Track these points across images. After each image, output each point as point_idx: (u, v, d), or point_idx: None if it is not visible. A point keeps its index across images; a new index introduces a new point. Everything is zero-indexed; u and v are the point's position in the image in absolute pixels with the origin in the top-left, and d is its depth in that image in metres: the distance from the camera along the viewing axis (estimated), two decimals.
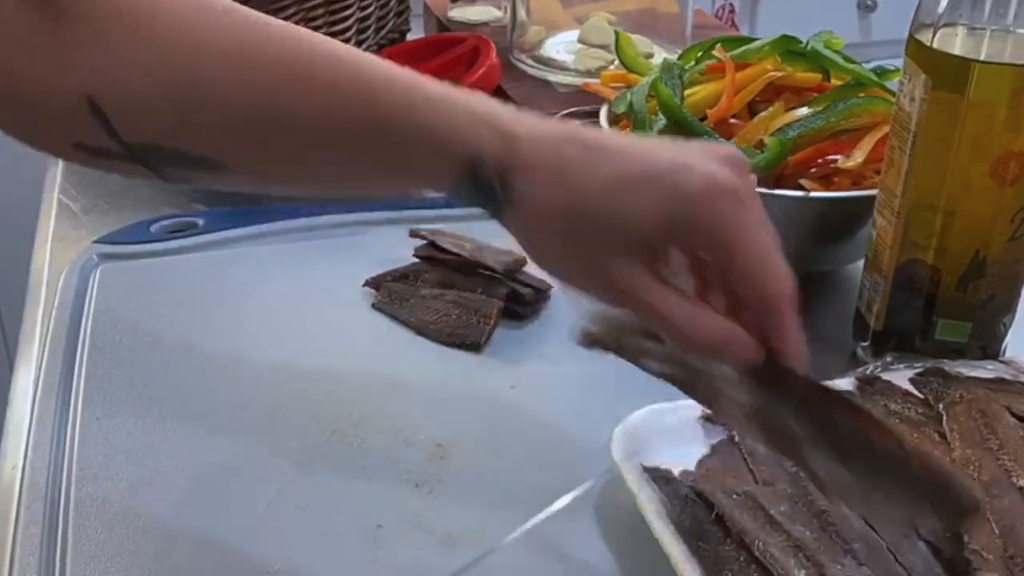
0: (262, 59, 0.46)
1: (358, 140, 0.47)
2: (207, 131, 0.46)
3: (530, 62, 1.06)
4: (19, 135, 0.48)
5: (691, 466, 0.54)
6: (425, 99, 0.46)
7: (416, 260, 0.74)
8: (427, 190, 0.48)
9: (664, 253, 0.48)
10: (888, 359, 0.62)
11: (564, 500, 0.54)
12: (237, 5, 0.47)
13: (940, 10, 0.57)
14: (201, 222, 0.81)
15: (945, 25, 0.57)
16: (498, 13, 1.21)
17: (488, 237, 0.73)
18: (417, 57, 1.08)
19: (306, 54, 0.47)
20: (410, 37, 1.23)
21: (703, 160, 0.46)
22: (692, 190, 0.45)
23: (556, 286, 0.73)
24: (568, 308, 0.73)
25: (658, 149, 0.47)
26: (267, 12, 0.99)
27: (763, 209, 0.47)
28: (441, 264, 0.73)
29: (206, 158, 0.47)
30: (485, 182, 0.46)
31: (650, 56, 1.01)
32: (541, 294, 0.72)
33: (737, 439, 0.56)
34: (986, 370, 0.61)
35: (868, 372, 0.61)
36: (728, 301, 0.48)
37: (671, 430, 0.56)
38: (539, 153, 0.46)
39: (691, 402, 0.59)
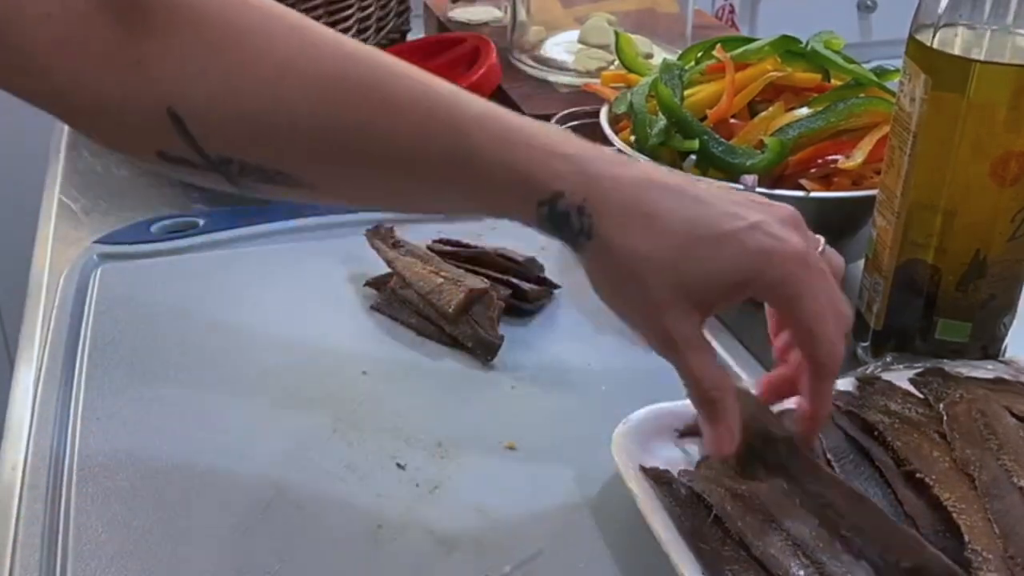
0: (345, 84, 0.47)
1: (441, 170, 0.48)
2: (287, 150, 0.48)
3: (530, 62, 1.06)
4: (105, 142, 0.50)
5: (691, 466, 0.54)
6: (505, 130, 0.48)
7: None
8: (506, 218, 0.50)
9: (724, 305, 0.50)
10: (888, 359, 0.62)
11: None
12: (310, 22, 0.49)
13: (940, 10, 0.57)
14: (201, 222, 0.81)
15: (945, 25, 0.57)
16: (498, 13, 1.21)
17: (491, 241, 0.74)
18: (417, 57, 1.08)
19: (386, 79, 0.48)
20: (410, 37, 1.23)
21: (773, 220, 0.49)
22: (766, 250, 0.48)
23: (563, 286, 0.74)
24: (569, 309, 0.73)
25: (731, 202, 0.49)
26: None
27: (830, 275, 0.50)
28: (451, 257, 0.73)
29: (286, 175, 0.48)
30: (564, 217, 0.48)
31: (650, 56, 1.01)
32: (544, 290, 0.72)
33: None
34: (986, 370, 0.61)
35: (868, 372, 0.61)
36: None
37: (671, 430, 0.56)
38: (619, 195, 0.48)
39: (691, 402, 0.59)
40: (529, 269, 0.73)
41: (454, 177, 0.48)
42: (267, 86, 0.46)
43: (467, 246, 0.75)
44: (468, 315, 0.68)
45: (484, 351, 0.66)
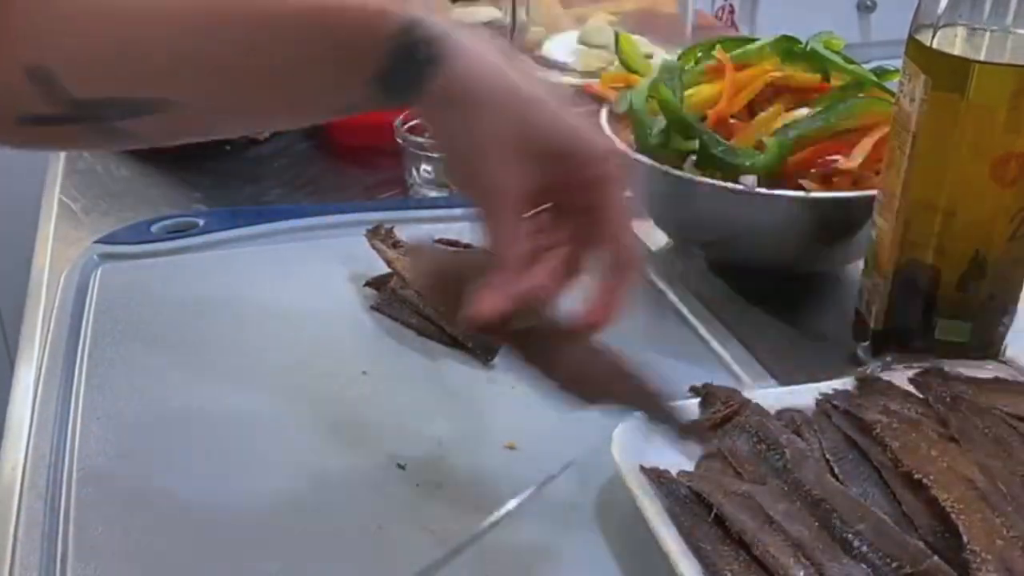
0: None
1: (293, 30, 0.46)
2: (156, 73, 0.46)
3: (530, 63, 1.06)
4: None
5: (691, 466, 0.54)
6: None
7: None
8: (358, 80, 0.48)
9: (542, 178, 0.50)
10: (888, 359, 0.62)
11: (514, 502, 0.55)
12: None
13: (940, 11, 0.57)
14: (201, 222, 0.81)
15: (945, 26, 0.57)
16: (498, 13, 1.21)
17: None
18: None
19: None
20: None
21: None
22: (604, 138, 0.52)
23: None
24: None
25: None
26: None
27: None
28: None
29: (155, 100, 0.47)
30: (411, 50, 0.46)
31: (650, 56, 1.01)
32: None
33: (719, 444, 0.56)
34: (986, 370, 0.61)
35: (868, 372, 0.61)
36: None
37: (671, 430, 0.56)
38: (474, 45, 0.48)
39: (691, 402, 0.59)
40: None
41: (305, 36, 0.47)
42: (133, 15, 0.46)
43: (467, 246, 0.74)
44: None
45: (484, 351, 0.66)
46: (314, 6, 0.46)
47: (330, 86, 0.49)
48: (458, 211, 0.82)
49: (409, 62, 0.47)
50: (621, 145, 0.52)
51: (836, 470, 0.53)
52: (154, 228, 0.80)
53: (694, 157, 0.72)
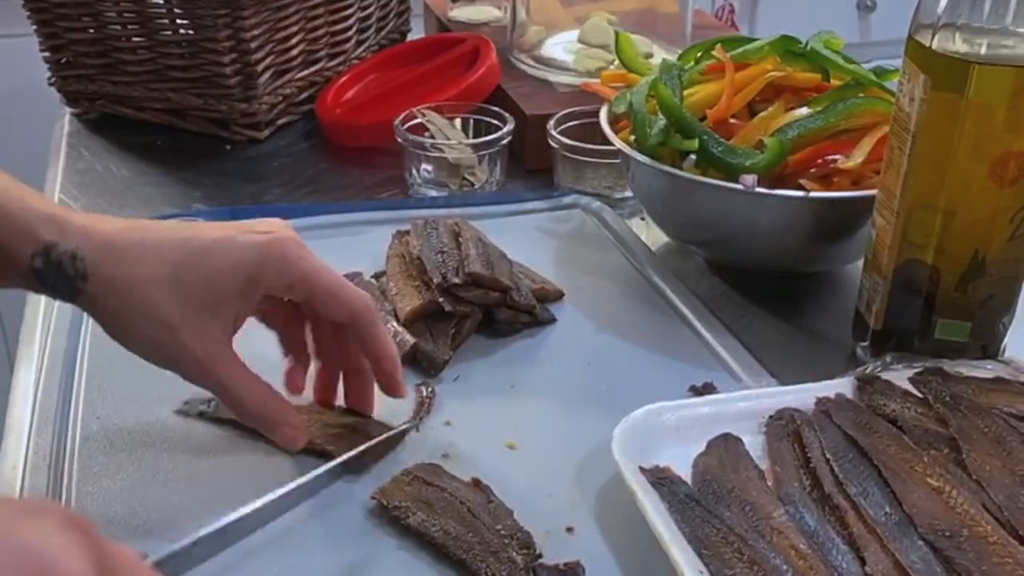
0: None
1: None
2: None
3: (530, 62, 1.06)
4: None
5: (691, 466, 0.54)
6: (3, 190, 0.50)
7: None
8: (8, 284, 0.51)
9: (243, 314, 0.54)
10: (888, 359, 0.62)
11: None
12: None
13: (939, 11, 0.57)
14: (201, 222, 0.81)
15: (944, 26, 0.57)
16: (498, 13, 1.21)
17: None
18: (417, 57, 1.08)
19: None
20: (410, 37, 1.24)
21: (255, 226, 0.54)
22: (261, 242, 0.53)
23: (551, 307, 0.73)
24: (569, 310, 0.73)
25: (219, 224, 0.55)
26: (269, 12, 1.00)
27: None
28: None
29: None
30: (58, 267, 0.49)
31: (650, 56, 1.01)
32: (515, 314, 0.70)
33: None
34: (985, 370, 0.61)
35: (868, 372, 0.61)
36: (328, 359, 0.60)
37: (671, 430, 0.56)
38: (107, 236, 0.51)
39: (690, 401, 0.59)
40: (525, 300, 0.70)
41: None
42: None
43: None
44: (426, 323, 0.67)
45: (429, 363, 0.65)
46: None
47: None
48: (458, 211, 0.82)
49: (59, 281, 0.50)
50: (282, 226, 0.56)
51: (836, 470, 0.53)
52: None
53: (694, 157, 0.72)
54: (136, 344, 0.52)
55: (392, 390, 0.58)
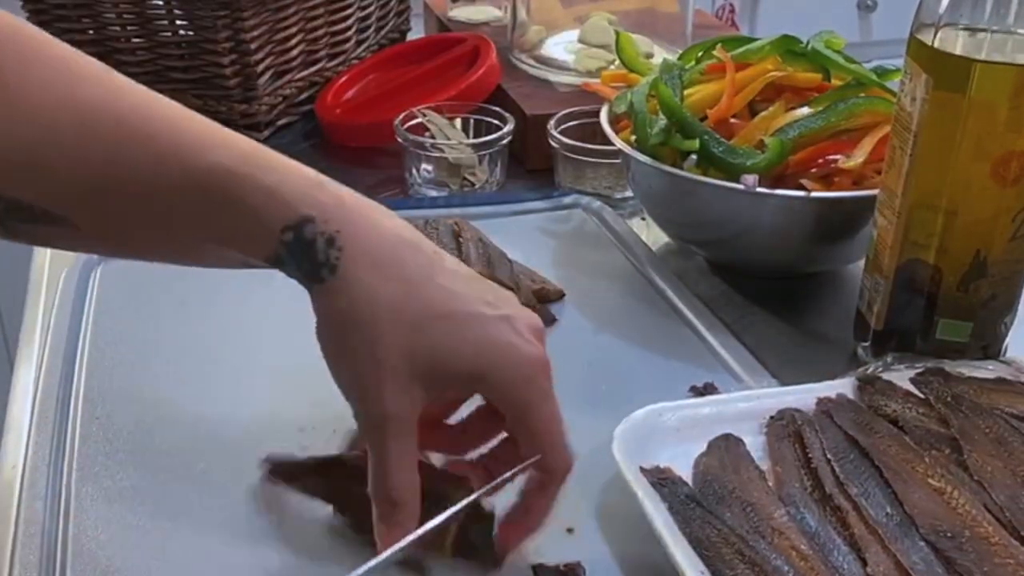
0: (107, 115, 0.45)
1: (191, 196, 0.45)
2: (53, 185, 0.44)
3: (530, 62, 1.06)
4: None
5: (691, 466, 0.54)
6: (254, 153, 0.45)
7: None
8: (240, 253, 0.46)
9: (443, 398, 0.49)
10: (889, 359, 0.62)
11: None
12: (77, 53, 0.46)
13: (941, 10, 0.57)
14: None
15: (946, 25, 0.57)
16: (498, 13, 1.21)
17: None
18: (417, 57, 1.08)
19: (142, 106, 0.46)
20: (410, 37, 1.23)
21: (521, 321, 0.47)
22: (513, 345, 0.46)
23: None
24: (569, 310, 0.73)
25: (482, 287, 0.48)
26: (268, 12, 0.99)
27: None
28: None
29: (51, 214, 0.45)
30: (308, 246, 0.45)
31: (650, 56, 1.01)
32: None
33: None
34: (987, 370, 0.61)
35: (868, 372, 0.61)
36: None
37: (671, 430, 0.56)
38: (376, 239, 0.45)
39: (691, 402, 0.59)
40: (525, 300, 0.67)
41: (197, 199, 0.44)
42: (40, 114, 0.43)
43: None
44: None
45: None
46: (201, 165, 0.44)
47: (231, 257, 0.47)
48: (458, 211, 0.82)
49: (302, 262, 0.45)
50: (539, 343, 0.48)
51: (837, 470, 0.53)
52: None
53: (694, 157, 0.72)
54: (337, 361, 0.47)
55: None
